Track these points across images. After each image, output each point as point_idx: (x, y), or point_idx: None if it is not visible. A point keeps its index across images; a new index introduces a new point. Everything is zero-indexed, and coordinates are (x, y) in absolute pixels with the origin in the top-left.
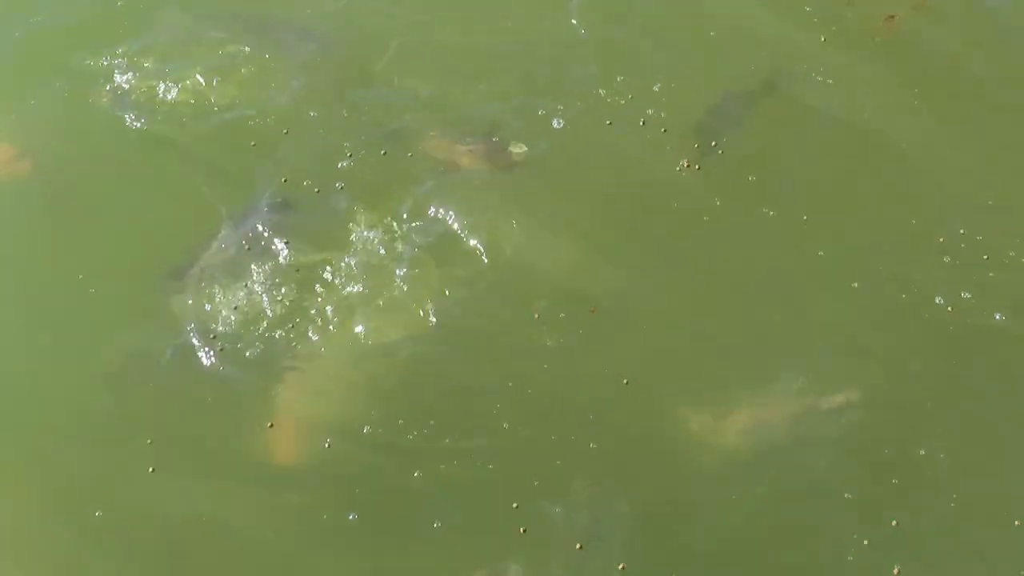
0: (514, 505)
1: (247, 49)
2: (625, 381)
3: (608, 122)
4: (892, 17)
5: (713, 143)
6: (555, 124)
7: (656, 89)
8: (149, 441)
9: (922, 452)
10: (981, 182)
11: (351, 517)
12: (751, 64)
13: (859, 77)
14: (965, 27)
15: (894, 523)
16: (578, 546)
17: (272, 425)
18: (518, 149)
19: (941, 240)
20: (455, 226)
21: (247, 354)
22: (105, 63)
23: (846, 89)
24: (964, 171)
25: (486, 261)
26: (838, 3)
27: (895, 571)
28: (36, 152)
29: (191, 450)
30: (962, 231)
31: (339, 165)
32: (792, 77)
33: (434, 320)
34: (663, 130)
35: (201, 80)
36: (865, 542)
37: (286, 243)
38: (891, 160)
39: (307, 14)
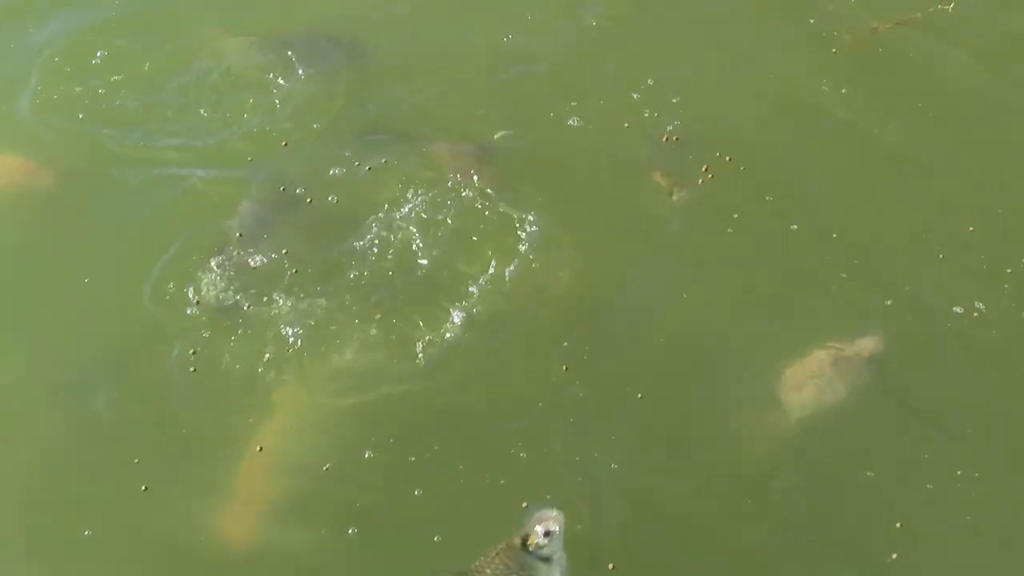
0: (524, 504)
1: (256, 59)
2: (639, 396)
3: (626, 124)
4: (875, 29)
5: (729, 158)
6: (571, 123)
7: (675, 101)
8: (136, 461)
9: (959, 472)
10: (991, 190)
11: (351, 532)
12: (767, 76)
13: (868, 87)
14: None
15: (898, 525)
16: (611, 566)
17: (261, 449)
18: (499, 135)
19: (942, 256)
20: (455, 243)
21: (238, 368)
22: (108, 84)
23: (858, 100)
24: (973, 179)
25: (492, 275)
26: (833, 17)
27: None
28: (53, 166)
29: (182, 469)
30: (971, 228)
31: (331, 172)
32: (804, 90)
33: (440, 339)
34: (676, 137)
35: (203, 93)
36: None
37: (285, 253)
38: (900, 170)
39: (307, 20)
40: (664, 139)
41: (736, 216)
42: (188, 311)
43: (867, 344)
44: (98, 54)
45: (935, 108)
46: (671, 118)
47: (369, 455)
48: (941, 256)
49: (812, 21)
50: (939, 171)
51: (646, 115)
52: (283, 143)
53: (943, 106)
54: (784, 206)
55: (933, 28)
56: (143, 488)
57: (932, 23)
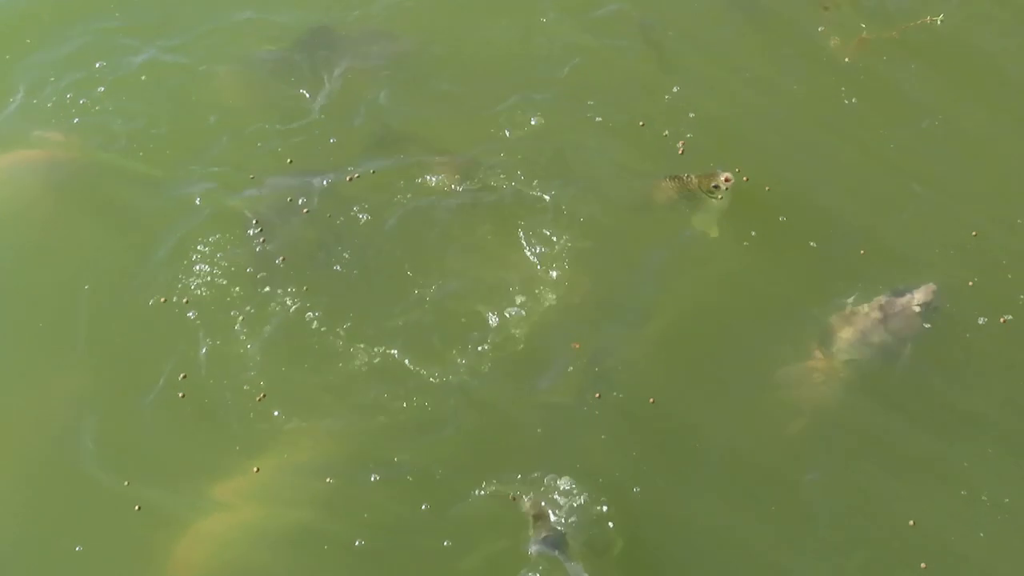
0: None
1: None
2: (652, 400)
3: (641, 123)
4: (864, 39)
5: (746, 178)
6: (596, 121)
7: (691, 116)
8: (126, 483)
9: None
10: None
11: (357, 543)
12: (782, 87)
13: (877, 98)
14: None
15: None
16: None
17: (258, 470)
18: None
19: (972, 284)
20: (467, 254)
21: (228, 393)
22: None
23: (870, 109)
24: (986, 191)
25: (503, 288)
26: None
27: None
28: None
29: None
30: (974, 233)
31: (328, 184)
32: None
33: (448, 355)
34: (683, 144)
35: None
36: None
37: (282, 260)
38: (911, 181)
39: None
40: (680, 151)
41: (754, 233)
42: (182, 326)
43: (917, 296)
44: (97, 65)
45: (942, 118)
46: (687, 130)
47: (375, 478)
48: (963, 271)
49: (821, 29)
50: (949, 183)
51: (665, 133)
52: (288, 160)
53: (949, 115)
54: (801, 221)
55: (925, 39)
56: (136, 508)
57: (923, 34)
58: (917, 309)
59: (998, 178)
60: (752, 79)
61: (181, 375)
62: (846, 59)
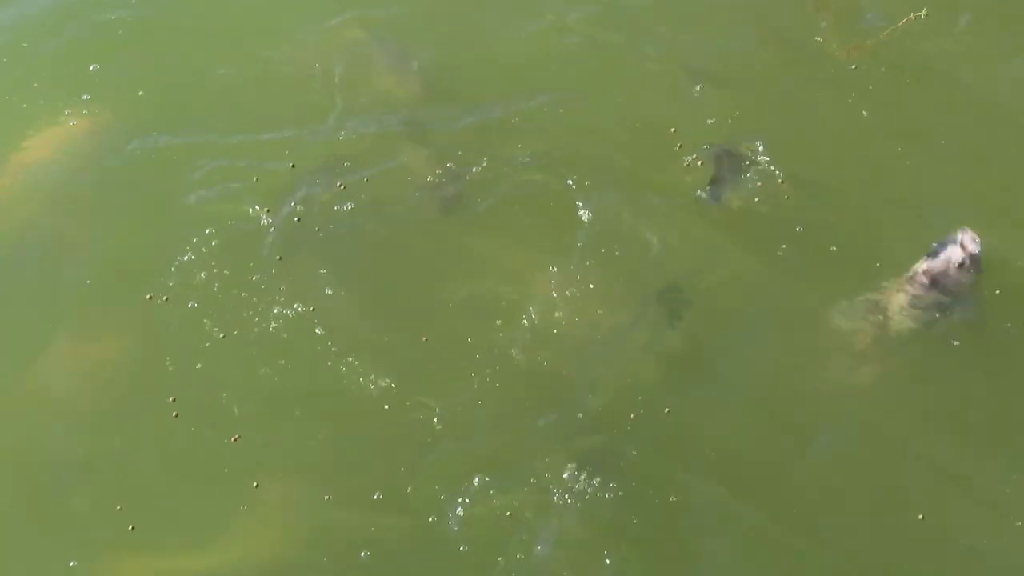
0: None
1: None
2: (666, 410)
3: (672, 129)
4: (859, 44)
5: (759, 187)
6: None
7: (710, 122)
8: (119, 508)
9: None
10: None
11: (363, 555)
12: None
13: (885, 105)
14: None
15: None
16: None
17: (258, 485)
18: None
19: (999, 292)
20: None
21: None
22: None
23: (875, 114)
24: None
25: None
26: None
27: None
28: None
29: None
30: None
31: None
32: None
33: (460, 375)
34: (700, 163)
35: None
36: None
37: (279, 260)
38: (922, 186)
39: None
40: (699, 161)
41: (785, 246)
42: (178, 329)
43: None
44: (91, 68)
45: (944, 120)
46: (703, 137)
47: (378, 496)
48: (985, 277)
49: (819, 39)
50: (961, 186)
51: (678, 146)
52: (291, 164)
53: (951, 116)
54: (816, 227)
55: (919, 42)
56: (130, 528)
57: (915, 36)
58: (958, 264)
59: (1009, 179)
60: (757, 85)
61: (171, 398)
62: (853, 66)
